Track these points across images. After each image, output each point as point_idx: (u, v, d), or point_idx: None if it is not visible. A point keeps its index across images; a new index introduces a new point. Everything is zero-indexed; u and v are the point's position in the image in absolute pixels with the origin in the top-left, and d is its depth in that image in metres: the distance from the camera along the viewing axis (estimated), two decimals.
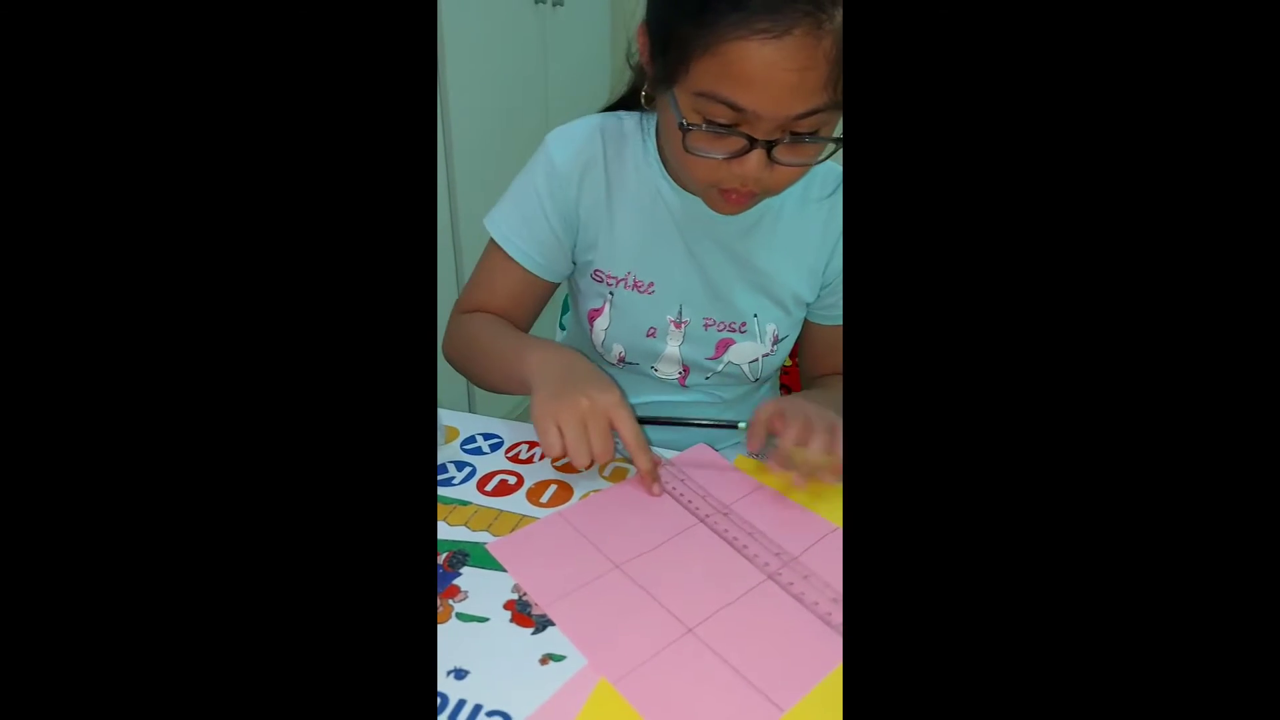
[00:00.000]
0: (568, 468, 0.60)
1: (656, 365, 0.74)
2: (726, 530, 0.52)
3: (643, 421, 0.57)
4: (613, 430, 0.56)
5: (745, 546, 0.51)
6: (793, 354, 0.83)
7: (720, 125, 0.53)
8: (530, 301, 0.75)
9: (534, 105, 1.69)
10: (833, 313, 0.76)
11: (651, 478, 0.56)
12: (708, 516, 0.53)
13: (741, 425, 0.60)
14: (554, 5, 1.67)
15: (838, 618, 0.44)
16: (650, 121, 0.68)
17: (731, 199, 0.59)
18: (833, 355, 0.79)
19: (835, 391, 0.72)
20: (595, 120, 0.71)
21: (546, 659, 0.41)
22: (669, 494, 0.56)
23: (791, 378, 0.97)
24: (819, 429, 0.56)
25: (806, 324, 0.79)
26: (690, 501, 0.55)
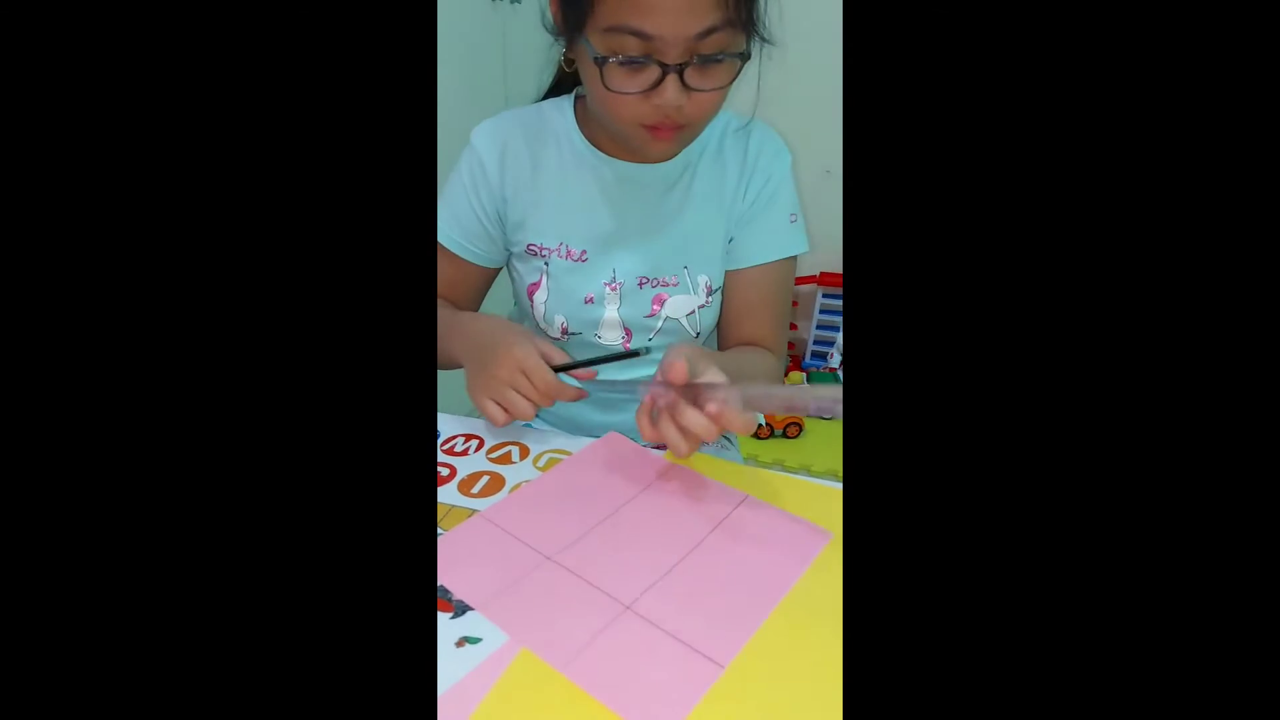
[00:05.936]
0: (503, 459, 0.61)
1: (600, 333, 0.78)
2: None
3: (557, 369, 0.62)
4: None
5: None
6: None
7: (632, 58, 0.59)
8: (467, 289, 0.81)
9: (494, 104, 1.70)
10: (738, 253, 0.76)
11: (575, 395, 0.63)
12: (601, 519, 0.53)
13: (644, 351, 0.61)
14: (512, 2, 1.67)
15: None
16: (567, 101, 0.75)
17: (659, 134, 0.64)
18: (748, 318, 0.79)
19: (742, 360, 0.74)
20: (514, 109, 0.78)
21: (463, 641, 0.43)
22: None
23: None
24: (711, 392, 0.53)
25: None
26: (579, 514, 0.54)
